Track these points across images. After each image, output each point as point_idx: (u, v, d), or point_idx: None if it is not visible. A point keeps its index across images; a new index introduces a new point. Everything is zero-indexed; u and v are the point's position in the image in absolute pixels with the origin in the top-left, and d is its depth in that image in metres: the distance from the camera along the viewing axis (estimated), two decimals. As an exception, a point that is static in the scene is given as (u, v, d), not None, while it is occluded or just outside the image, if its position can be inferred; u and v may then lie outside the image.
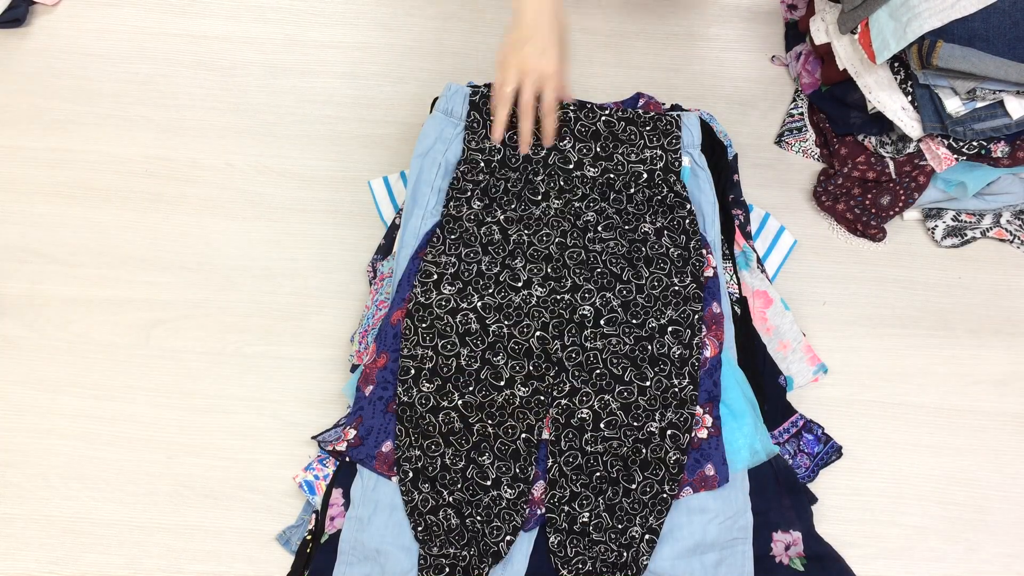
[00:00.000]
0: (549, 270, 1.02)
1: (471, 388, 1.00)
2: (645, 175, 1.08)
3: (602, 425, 0.99)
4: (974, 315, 1.19)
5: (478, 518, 0.97)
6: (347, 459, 1.03)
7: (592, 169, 1.07)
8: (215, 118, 1.32)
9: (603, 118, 1.09)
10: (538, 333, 1.00)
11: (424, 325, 1.02)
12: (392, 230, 1.20)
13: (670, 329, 1.02)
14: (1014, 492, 1.09)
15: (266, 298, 1.19)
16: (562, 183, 1.06)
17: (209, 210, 1.25)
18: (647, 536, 0.96)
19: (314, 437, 1.06)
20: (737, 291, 1.12)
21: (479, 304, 1.01)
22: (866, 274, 1.21)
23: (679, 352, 1.01)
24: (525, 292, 1.01)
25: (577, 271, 1.03)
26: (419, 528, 0.97)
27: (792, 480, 1.05)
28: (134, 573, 1.04)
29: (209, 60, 1.36)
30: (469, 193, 1.06)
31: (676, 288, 1.04)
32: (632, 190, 1.07)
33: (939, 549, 1.06)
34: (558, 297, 1.02)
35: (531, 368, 1.00)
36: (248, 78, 1.35)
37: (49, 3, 1.39)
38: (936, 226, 1.23)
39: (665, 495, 0.98)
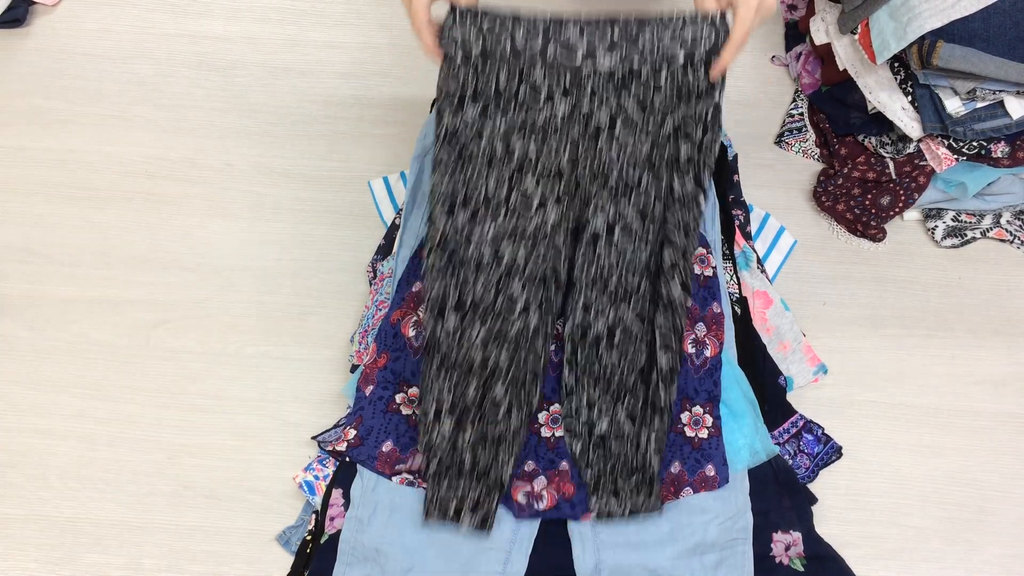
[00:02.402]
0: (561, 189, 0.94)
1: (489, 318, 0.96)
2: (682, 58, 0.88)
3: (616, 338, 0.98)
4: (974, 315, 1.19)
5: (488, 453, 0.97)
6: (347, 459, 1.03)
7: (608, 58, 0.89)
8: (215, 118, 1.32)
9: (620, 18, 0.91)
10: (552, 252, 0.96)
11: (441, 257, 0.95)
12: (392, 230, 1.20)
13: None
14: (1014, 492, 1.09)
15: (266, 298, 1.19)
16: (567, 83, 0.90)
17: (209, 210, 1.25)
18: (657, 446, 0.98)
19: (314, 437, 1.06)
20: (737, 291, 1.12)
21: (490, 233, 0.95)
22: (866, 274, 1.21)
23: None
24: (538, 219, 0.95)
25: (591, 181, 0.94)
26: (431, 465, 0.97)
27: (792, 480, 1.05)
28: (134, 573, 1.04)
29: (209, 60, 1.36)
30: (456, 97, 0.93)
31: (675, 190, 0.95)
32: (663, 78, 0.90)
33: (939, 550, 1.06)
34: (571, 213, 0.97)
35: (545, 293, 0.98)
36: (248, 78, 1.35)
37: (49, 3, 1.39)
38: (936, 226, 1.23)
39: (663, 404, 0.98)
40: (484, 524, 0.97)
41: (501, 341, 0.96)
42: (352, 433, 1.03)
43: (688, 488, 1.00)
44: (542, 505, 0.99)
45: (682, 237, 0.94)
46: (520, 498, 0.99)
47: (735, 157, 1.23)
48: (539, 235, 0.95)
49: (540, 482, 1.00)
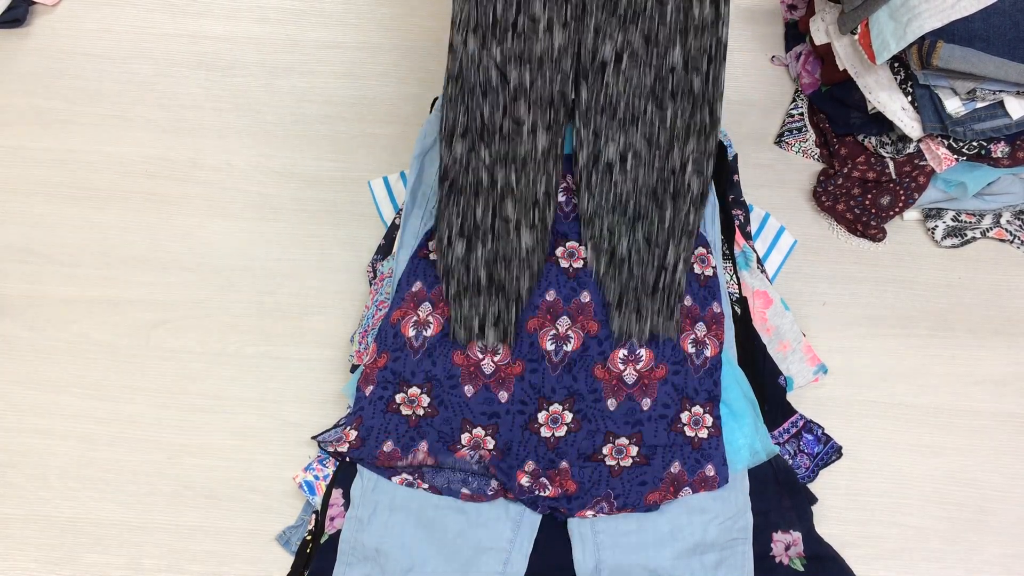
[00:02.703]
0: (568, 13, 0.97)
1: (496, 142, 1.00)
2: None
3: (628, 162, 1.01)
4: (974, 315, 1.19)
5: (503, 269, 1.01)
6: (347, 459, 1.03)
7: None
8: (215, 118, 1.32)
9: None
10: (559, 77, 0.99)
11: (456, 86, 0.99)
12: (392, 230, 1.20)
13: (690, 63, 0.99)
14: (1014, 492, 1.09)
15: (266, 298, 1.19)
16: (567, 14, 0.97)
17: (209, 210, 1.25)
18: (679, 265, 1.02)
19: (314, 437, 1.06)
20: (737, 291, 1.12)
21: (497, 56, 0.98)
22: (866, 274, 1.21)
23: (699, 86, 1.00)
24: (545, 42, 0.98)
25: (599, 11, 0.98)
26: (451, 287, 1.02)
27: (792, 480, 1.05)
28: (134, 573, 1.04)
29: (209, 60, 1.36)
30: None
31: (694, 16, 0.97)
32: None
33: (939, 549, 1.06)
34: (578, 38, 0.99)
35: (553, 115, 1.00)
36: (248, 78, 1.35)
37: (49, 3, 1.39)
38: (936, 226, 1.23)
39: (691, 227, 1.02)
40: (505, 337, 1.02)
41: (509, 162, 1.00)
42: (353, 434, 1.03)
43: (688, 488, 1.00)
44: (545, 493, 0.99)
45: (702, 37, 0.97)
46: (524, 481, 1.00)
47: (735, 157, 1.23)
48: (546, 58, 0.97)
49: (544, 483, 1.01)
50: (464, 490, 1.01)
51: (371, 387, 1.04)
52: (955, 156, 1.14)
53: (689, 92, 0.99)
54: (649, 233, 1.02)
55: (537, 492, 1.00)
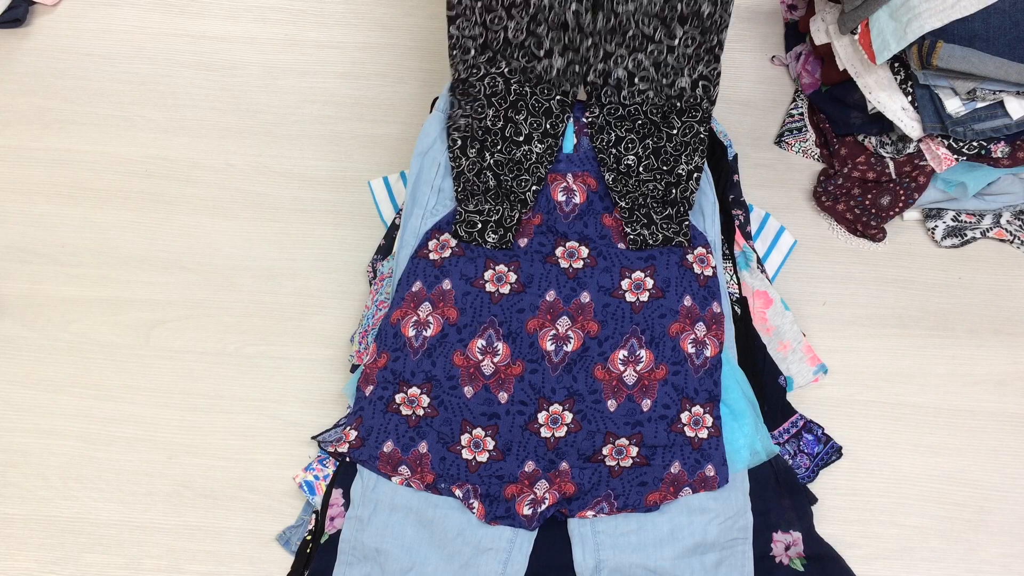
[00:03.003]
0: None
1: (515, 56, 1.04)
2: None
3: (637, 81, 1.05)
4: (974, 315, 1.19)
5: (511, 175, 1.06)
6: (347, 459, 1.03)
7: None
8: (215, 118, 1.32)
9: None
10: (573, 6, 1.02)
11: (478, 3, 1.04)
12: (392, 230, 1.20)
13: None
14: (1014, 492, 1.09)
15: (266, 298, 1.19)
16: None
17: (209, 210, 1.25)
18: (693, 172, 1.06)
19: (314, 437, 1.06)
20: (737, 291, 1.12)
21: None
22: (866, 274, 1.21)
23: (708, 10, 1.02)
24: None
25: None
26: (460, 189, 1.07)
27: (792, 480, 1.05)
28: (134, 573, 1.04)
29: (209, 60, 1.36)
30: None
31: None
32: None
33: (939, 549, 1.06)
34: None
35: (567, 40, 1.03)
36: (248, 78, 1.35)
37: (49, 3, 1.39)
38: (936, 226, 1.23)
39: (702, 135, 1.06)
40: (503, 242, 1.06)
41: (524, 79, 1.05)
42: (353, 434, 1.03)
43: (688, 488, 1.00)
44: (544, 506, 0.99)
45: None
46: (526, 511, 1.00)
47: (735, 157, 1.23)
48: None
49: (542, 485, 1.01)
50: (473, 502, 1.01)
51: (371, 387, 1.04)
52: (955, 156, 1.14)
53: (698, 15, 1.02)
54: (657, 146, 1.06)
55: (539, 509, 0.99)
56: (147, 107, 1.32)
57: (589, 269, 1.05)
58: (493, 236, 1.06)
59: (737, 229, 1.17)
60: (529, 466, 1.01)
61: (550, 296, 1.04)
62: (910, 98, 1.13)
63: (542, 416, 1.02)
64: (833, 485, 1.08)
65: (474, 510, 1.00)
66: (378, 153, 1.29)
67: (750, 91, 1.34)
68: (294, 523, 1.06)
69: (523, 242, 1.07)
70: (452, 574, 0.98)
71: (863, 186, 1.22)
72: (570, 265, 1.05)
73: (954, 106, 1.11)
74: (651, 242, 1.06)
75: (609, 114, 1.06)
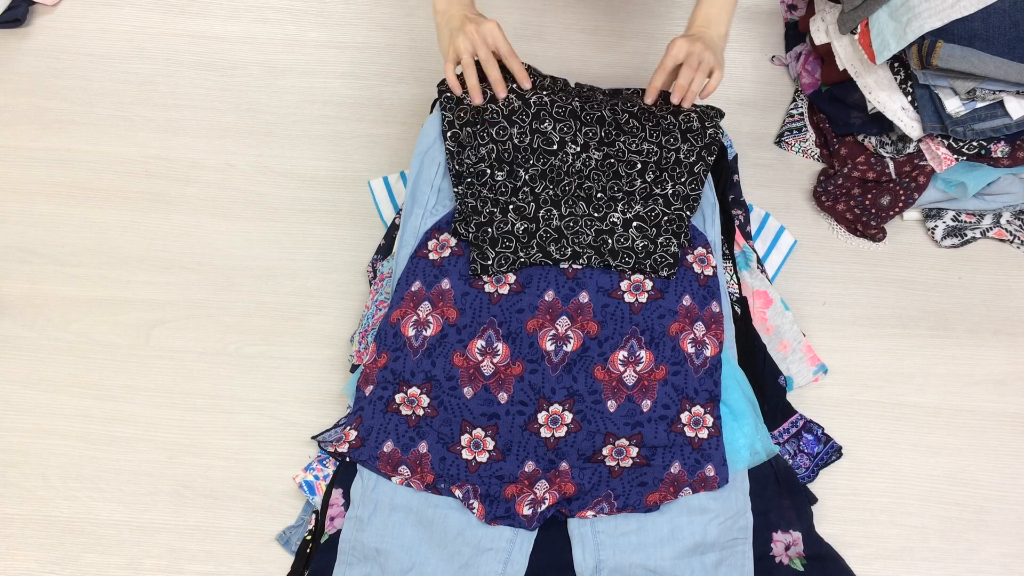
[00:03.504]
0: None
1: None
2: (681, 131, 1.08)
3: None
4: (974, 315, 1.19)
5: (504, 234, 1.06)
6: (347, 459, 1.03)
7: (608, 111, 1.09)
8: (215, 118, 1.32)
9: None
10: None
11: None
12: (392, 230, 1.20)
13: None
14: (1014, 492, 1.09)
15: (266, 298, 1.19)
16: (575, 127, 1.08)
17: (209, 210, 1.25)
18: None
19: (314, 437, 1.06)
20: (737, 291, 1.12)
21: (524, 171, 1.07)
22: (866, 274, 1.21)
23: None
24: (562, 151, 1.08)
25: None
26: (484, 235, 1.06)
27: (792, 480, 1.05)
28: (134, 573, 1.04)
29: (209, 60, 1.36)
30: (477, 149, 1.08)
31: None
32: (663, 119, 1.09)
33: (939, 549, 1.06)
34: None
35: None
36: (248, 78, 1.35)
37: (49, 3, 1.39)
38: (936, 226, 1.23)
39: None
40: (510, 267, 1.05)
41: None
42: (353, 434, 1.03)
43: (688, 488, 1.00)
44: (544, 506, 0.99)
45: None
46: (526, 511, 1.00)
47: (735, 157, 1.23)
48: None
49: (541, 486, 1.01)
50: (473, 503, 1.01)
51: (371, 387, 1.04)
52: (955, 156, 1.14)
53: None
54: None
55: (539, 509, 0.99)
56: (147, 107, 1.32)
57: (588, 270, 1.05)
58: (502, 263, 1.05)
59: (737, 229, 1.17)
60: (529, 466, 1.01)
61: (549, 296, 1.04)
62: (910, 98, 1.13)
63: (542, 416, 1.02)
64: (833, 485, 1.08)
65: (474, 510, 1.00)
66: (378, 153, 1.29)
67: (750, 91, 1.34)
68: (294, 523, 1.06)
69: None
70: (452, 574, 0.98)
71: (863, 186, 1.22)
72: (569, 265, 1.05)
73: (954, 106, 1.11)
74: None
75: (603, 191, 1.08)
